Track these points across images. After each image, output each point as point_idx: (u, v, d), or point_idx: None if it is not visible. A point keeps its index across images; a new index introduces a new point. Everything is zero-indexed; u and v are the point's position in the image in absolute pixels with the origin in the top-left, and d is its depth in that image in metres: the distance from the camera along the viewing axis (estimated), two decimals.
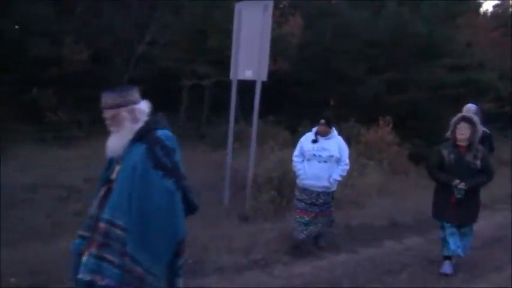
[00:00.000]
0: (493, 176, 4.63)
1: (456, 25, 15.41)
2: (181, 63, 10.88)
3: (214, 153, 9.20)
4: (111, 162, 2.43)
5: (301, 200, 5.12)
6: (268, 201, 6.84)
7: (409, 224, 6.50)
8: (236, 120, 9.70)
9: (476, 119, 4.68)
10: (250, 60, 6.45)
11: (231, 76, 6.59)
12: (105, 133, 2.48)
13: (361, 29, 13.46)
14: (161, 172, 2.25)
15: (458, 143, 4.57)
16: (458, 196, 4.47)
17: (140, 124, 2.38)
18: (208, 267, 4.41)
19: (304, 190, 5.09)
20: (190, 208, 2.47)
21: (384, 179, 9.15)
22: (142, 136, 2.33)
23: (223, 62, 8.47)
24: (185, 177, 2.38)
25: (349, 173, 8.75)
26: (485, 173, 4.56)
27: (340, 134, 5.25)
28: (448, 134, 4.75)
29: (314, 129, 5.18)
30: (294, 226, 5.17)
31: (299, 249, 5.06)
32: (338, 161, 5.01)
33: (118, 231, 2.21)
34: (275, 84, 12.42)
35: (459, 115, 4.74)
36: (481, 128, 4.73)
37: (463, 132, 4.52)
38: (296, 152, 5.23)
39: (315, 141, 5.05)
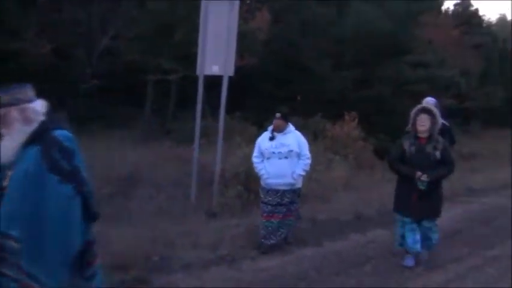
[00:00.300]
0: (454, 167, 4.62)
1: (418, 23, 15.79)
2: (147, 57, 10.72)
3: (180, 149, 9.11)
4: (3, 169, 2.13)
5: (267, 203, 4.97)
6: (235, 197, 6.84)
7: (373, 218, 6.63)
8: (203, 116, 9.64)
9: (435, 110, 4.67)
10: (216, 55, 6.41)
11: (198, 71, 6.53)
12: None
13: (327, 26, 13.62)
14: (57, 176, 2.03)
15: (419, 135, 4.55)
16: (422, 187, 4.42)
17: (34, 125, 2.13)
18: (174, 263, 4.37)
19: (269, 191, 4.94)
20: (90, 216, 2.23)
21: (349, 174, 9.29)
22: (36, 138, 2.10)
23: (189, 56, 8.39)
24: (87, 183, 2.17)
25: (315, 167, 8.98)
26: (446, 165, 4.54)
27: (298, 129, 5.15)
28: (409, 127, 4.69)
29: (270, 128, 5.08)
30: (262, 233, 4.99)
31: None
32: (298, 155, 4.92)
33: (12, 243, 2.00)
34: (242, 79, 12.41)
35: (419, 106, 4.72)
36: (440, 120, 4.69)
37: (423, 124, 4.50)
38: (255, 152, 5.11)
39: (272, 138, 4.94)
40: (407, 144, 4.57)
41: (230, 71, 6.49)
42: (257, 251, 4.91)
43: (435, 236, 4.72)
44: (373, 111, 12.89)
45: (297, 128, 5.29)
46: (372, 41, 13.59)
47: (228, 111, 10.72)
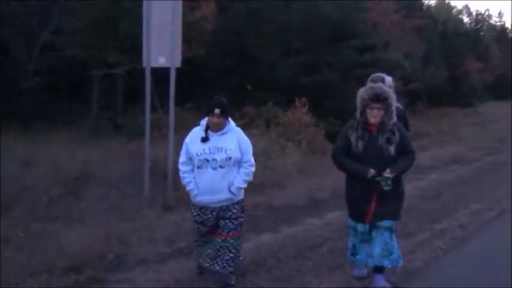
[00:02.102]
0: (415, 156, 3.85)
1: (363, 8, 16.12)
2: (90, 51, 10.37)
3: (131, 144, 8.93)
4: None
5: (201, 223, 3.86)
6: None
7: (327, 201, 6.76)
8: (153, 109, 9.48)
9: (392, 95, 3.74)
10: (162, 46, 6.29)
11: (144, 64, 6.40)
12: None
13: (274, 13, 13.65)
14: None
15: (370, 122, 3.70)
16: (387, 188, 3.59)
17: None
18: (131, 260, 4.31)
19: (202, 209, 3.81)
20: None
21: (303, 159, 9.43)
22: None
23: (135, 49, 8.18)
24: None
25: (269, 155, 9.09)
26: (407, 154, 3.75)
27: (235, 124, 3.90)
28: (357, 114, 3.77)
29: (203, 122, 3.80)
30: (196, 253, 4.04)
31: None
32: (239, 162, 3.75)
33: None
34: (191, 70, 12.29)
35: (369, 92, 3.69)
36: (395, 105, 3.79)
37: (375, 116, 3.67)
38: (182, 157, 3.84)
39: (205, 139, 3.70)
40: (353, 137, 3.73)
41: (177, 62, 6.40)
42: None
43: (394, 244, 3.79)
44: (322, 96, 13.09)
45: (237, 122, 3.99)
46: (319, 27, 13.75)
47: (179, 103, 10.60)
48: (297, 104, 11.38)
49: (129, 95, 11.75)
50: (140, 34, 6.55)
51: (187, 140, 3.83)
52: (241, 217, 3.87)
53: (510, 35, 48.48)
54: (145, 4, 6.31)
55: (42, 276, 3.76)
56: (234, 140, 3.75)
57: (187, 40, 10.70)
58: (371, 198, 3.72)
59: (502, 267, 4.35)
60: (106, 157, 7.99)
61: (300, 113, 11.36)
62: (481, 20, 46.05)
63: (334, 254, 4.58)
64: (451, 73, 26.01)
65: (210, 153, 3.68)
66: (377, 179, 3.60)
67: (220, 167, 3.69)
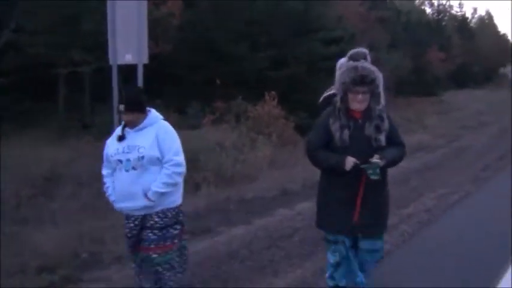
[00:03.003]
0: (405, 152, 3.26)
1: (328, 1, 16.35)
2: (54, 50, 10.17)
3: (101, 143, 8.84)
4: None
5: (127, 235, 3.27)
6: None
7: (298, 192, 6.88)
8: None
9: (379, 75, 3.10)
10: (128, 43, 6.24)
11: (110, 61, 6.34)
12: None
13: (241, 8, 13.69)
14: None
15: (353, 109, 3.09)
16: (374, 177, 2.96)
17: None
18: (106, 258, 4.32)
19: (127, 217, 3.25)
20: None
21: (273, 152, 9.55)
22: None
23: (101, 47, 8.09)
24: None
25: (240, 148, 9.18)
26: (397, 146, 3.14)
27: (161, 117, 3.30)
28: (337, 99, 3.13)
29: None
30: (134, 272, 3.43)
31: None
32: (160, 162, 3.13)
33: None
34: (159, 67, 12.22)
35: (353, 73, 3.03)
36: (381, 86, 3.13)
37: (360, 101, 3.06)
38: (104, 161, 3.37)
39: (121, 137, 3.20)
40: (336, 126, 3.07)
41: (144, 58, 6.37)
42: (189, 235, 4.93)
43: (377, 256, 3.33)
44: (291, 89, 13.23)
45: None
46: (285, 20, 13.88)
47: (148, 100, 10.55)
48: (266, 97, 11.50)
49: (97, 94, 11.60)
50: (105, 32, 6.50)
51: (108, 140, 3.32)
52: (174, 228, 3.20)
53: (471, 25, 49.99)
54: (109, 1, 6.25)
55: (16, 277, 3.74)
56: (151, 136, 3.15)
57: (154, 36, 10.63)
58: (354, 201, 3.06)
59: (466, 247, 4.58)
60: (75, 157, 7.91)
61: (270, 107, 11.48)
62: (442, 10, 47.11)
63: (306, 242, 4.70)
64: (415, 63, 26.62)
65: (124, 152, 3.13)
66: (362, 166, 2.95)
67: (133, 168, 3.10)
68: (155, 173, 3.12)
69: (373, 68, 3.08)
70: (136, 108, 3.18)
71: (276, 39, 14.01)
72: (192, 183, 7.07)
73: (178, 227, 3.26)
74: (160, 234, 3.17)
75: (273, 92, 11.38)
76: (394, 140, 3.14)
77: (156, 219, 3.17)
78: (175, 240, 3.24)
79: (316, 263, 4.17)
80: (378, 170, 2.96)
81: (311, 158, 3.20)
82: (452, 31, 42.43)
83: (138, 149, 3.12)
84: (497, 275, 3.87)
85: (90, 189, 6.37)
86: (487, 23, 55.74)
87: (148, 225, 3.17)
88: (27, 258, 4.05)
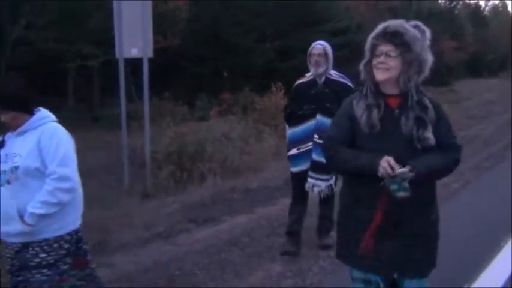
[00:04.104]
0: (460, 153, 2.28)
1: None
2: (64, 44, 10.39)
3: (110, 135, 9.05)
4: None
5: (11, 272, 2.55)
6: (169, 177, 6.98)
7: None
8: (131, 99, 9.59)
9: (415, 34, 2.18)
10: (134, 37, 6.40)
11: (117, 55, 6.52)
12: None
13: (247, 0, 13.78)
14: None
15: (383, 90, 2.22)
16: (400, 193, 2.08)
17: None
18: (111, 245, 4.49)
19: (6, 245, 2.57)
20: None
21: (279, 143, 9.65)
22: None
23: (109, 41, 8.26)
24: None
25: (246, 140, 9.32)
26: (445, 150, 2.19)
27: (52, 118, 2.74)
28: (362, 74, 2.27)
29: None
30: None
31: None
32: (42, 174, 2.48)
33: None
34: (168, 60, 12.40)
35: (377, 29, 2.20)
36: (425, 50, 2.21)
37: (383, 64, 2.15)
38: None
39: (1, 143, 2.60)
40: (361, 107, 2.21)
41: (149, 52, 6.52)
42: (194, 224, 5.11)
43: None
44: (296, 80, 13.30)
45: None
46: (292, 11, 13.92)
47: (157, 93, 10.74)
48: (273, 89, 11.59)
49: (106, 86, 11.82)
50: (112, 26, 6.66)
51: None
52: (64, 262, 2.54)
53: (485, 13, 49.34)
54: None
55: None
56: (32, 141, 2.51)
57: (162, 30, 10.79)
58: (385, 226, 2.15)
59: (465, 234, 4.67)
60: (84, 148, 8.07)
61: (276, 98, 11.56)
62: None
63: (306, 229, 4.82)
64: None
65: (1, 162, 2.52)
66: (385, 182, 2.07)
67: (7, 182, 2.47)
68: (36, 189, 2.45)
69: (407, 25, 2.18)
70: (13, 106, 2.52)
71: (283, 31, 14.07)
72: (198, 174, 7.24)
73: (68, 260, 2.55)
74: (49, 273, 2.48)
75: (280, 84, 11.47)
76: (442, 140, 2.18)
77: (42, 255, 2.47)
78: (65, 276, 2.53)
79: (312, 250, 4.29)
80: (406, 184, 2.06)
81: (331, 159, 2.32)
82: (465, 20, 41.87)
83: (13, 159, 2.48)
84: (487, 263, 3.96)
85: (98, 180, 6.56)
86: (500, 10, 54.90)
87: (33, 263, 2.46)
88: None
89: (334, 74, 4.15)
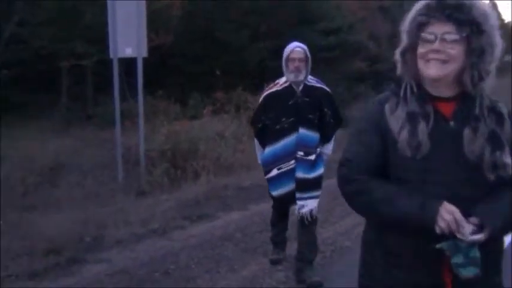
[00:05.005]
0: None
1: None
2: (57, 42, 10.40)
3: (104, 133, 9.11)
4: None
5: None
6: (163, 174, 7.08)
7: None
8: (124, 98, 9.65)
9: (488, 11, 1.44)
10: (128, 37, 6.49)
11: (111, 55, 6.60)
12: None
13: None
14: None
15: (432, 92, 1.47)
16: (467, 274, 1.34)
17: None
18: (107, 241, 4.58)
19: None
20: None
21: None
22: None
23: (103, 39, 8.32)
24: None
25: (239, 138, 9.43)
26: None
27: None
28: (399, 66, 1.52)
29: None
30: None
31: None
32: None
33: None
34: (161, 58, 12.44)
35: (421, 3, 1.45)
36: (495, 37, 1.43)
37: (439, 50, 1.40)
38: None
39: None
40: (398, 121, 1.46)
41: (143, 52, 6.62)
42: (188, 221, 5.21)
43: None
44: None
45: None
46: (284, 10, 14.01)
47: (151, 91, 10.79)
48: (266, 88, 11.69)
49: (100, 84, 11.84)
50: (106, 24, 6.73)
51: None
52: None
53: None
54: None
55: (23, 259, 4.01)
56: None
57: (154, 28, 10.83)
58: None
59: None
60: (79, 146, 8.18)
61: None
62: None
63: (295, 224, 4.93)
64: None
65: None
66: (443, 246, 1.35)
67: None
68: None
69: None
70: None
71: (276, 29, 14.16)
72: (192, 171, 7.35)
73: None
74: None
75: (272, 83, 11.56)
76: None
77: None
78: None
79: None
80: (476, 254, 1.35)
81: (353, 196, 1.52)
82: None
83: None
84: None
85: (93, 177, 6.65)
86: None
87: None
88: (35, 241, 4.32)
89: (311, 79, 3.68)
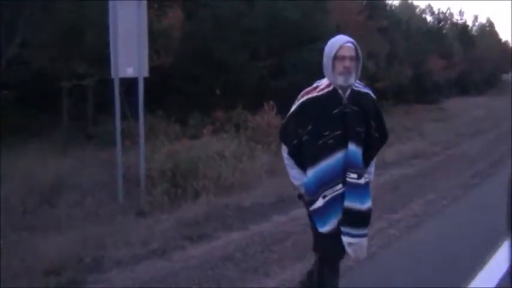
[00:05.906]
0: None
1: (326, 9, 16.65)
2: (58, 63, 10.51)
3: (104, 153, 9.14)
4: None
5: None
6: (163, 194, 7.06)
7: (295, 199, 7.03)
8: (125, 118, 9.70)
9: None
10: (130, 57, 6.55)
11: (112, 75, 6.65)
12: None
13: (239, 17, 14.02)
14: None
15: None
16: None
17: None
18: (107, 262, 4.56)
19: None
20: None
21: (272, 160, 9.78)
22: None
23: (103, 59, 8.40)
24: None
25: (239, 158, 9.44)
26: None
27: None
28: None
29: None
30: None
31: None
32: None
33: None
34: (161, 79, 12.54)
35: None
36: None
37: None
38: None
39: None
40: None
41: (144, 72, 6.67)
42: (188, 241, 5.18)
43: None
44: (290, 99, 13.48)
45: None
46: (283, 30, 14.19)
47: (151, 111, 10.86)
48: (266, 107, 11.76)
49: (100, 104, 11.90)
50: (107, 45, 6.80)
51: None
52: None
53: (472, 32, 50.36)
54: (110, 14, 6.55)
55: (23, 279, 3.99)
56: None
57: (156, 49, 10.96)
58: None
59: (452, 250, 4.80)
60: (79, 166, 8.18)
61: (269, 116, 11.73)
62: (443, 18, 47.49)
63: (298, 246, 4.93)
64: (416, 71, 26.88)
65: None
66: None
67: None
68: None
69: None
70: None
71: (275, 49, 14.32)
72: (191, 191, 7.33)
73: None
74: None
75: (272, 102, 11.63)
76: None
77: None
78: None
79: (305, 264, 4.39)
80: None
81: None
82: (453, 39, 42.69)
83: None
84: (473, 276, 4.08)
85: (93, 198, 6.64)
86: (488, 30, 56.05)
87: None
88: (34, 262, 4.30)
89: (358, 83, 3.04)
